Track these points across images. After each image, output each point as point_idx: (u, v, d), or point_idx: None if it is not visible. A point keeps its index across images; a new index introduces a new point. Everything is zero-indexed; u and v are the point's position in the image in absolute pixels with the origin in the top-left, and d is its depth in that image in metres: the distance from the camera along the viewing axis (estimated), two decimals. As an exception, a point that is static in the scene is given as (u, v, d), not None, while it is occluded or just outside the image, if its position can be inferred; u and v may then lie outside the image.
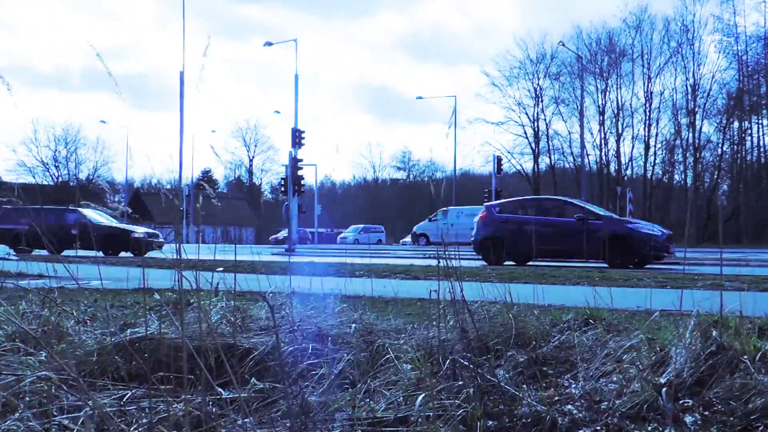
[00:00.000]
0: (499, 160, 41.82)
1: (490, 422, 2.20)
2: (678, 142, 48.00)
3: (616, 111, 49.56)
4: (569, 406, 2.29)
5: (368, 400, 2.40)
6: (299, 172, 27.78)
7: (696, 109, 46.86)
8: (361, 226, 51.14)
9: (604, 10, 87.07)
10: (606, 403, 2.30)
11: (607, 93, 49.82)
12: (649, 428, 2.14)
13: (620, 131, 49.74)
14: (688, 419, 2.19)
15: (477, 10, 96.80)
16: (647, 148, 49.00)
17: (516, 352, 2.91)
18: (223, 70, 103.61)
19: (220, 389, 2.42)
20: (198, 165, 75.67)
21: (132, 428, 2.09)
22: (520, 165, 55.06)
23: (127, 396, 2.35)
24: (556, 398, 2.39)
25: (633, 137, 49.91)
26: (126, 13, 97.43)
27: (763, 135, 45.61)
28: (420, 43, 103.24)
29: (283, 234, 44.11)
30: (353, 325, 3.26)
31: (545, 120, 53.30)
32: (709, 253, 17.95)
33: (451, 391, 2.36)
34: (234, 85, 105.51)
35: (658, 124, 49.35)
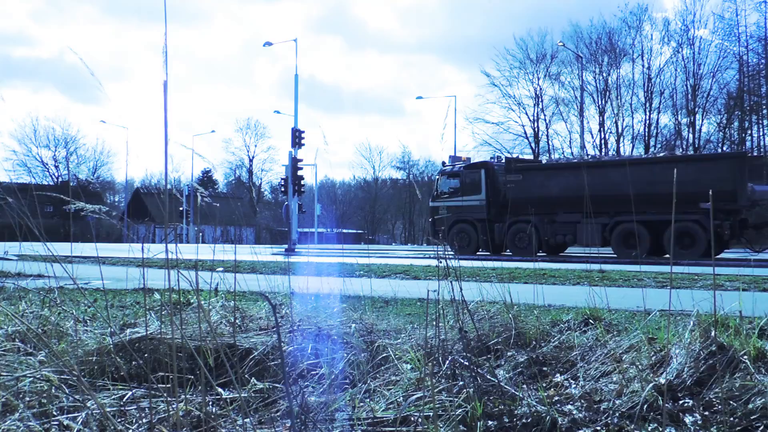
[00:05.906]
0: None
1: (490, 422, 2.19)
2: (678, 142, 47.93)
3: (616, 111, 49.52)
4: (569, 406, 2.29)
5: (368, 400, 2.40)
6: (299, 172, 27.79)
7: (696, 109, 46.82)
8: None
9: (604, 9, 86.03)
10: (606, 403, 2.30)
11: (607, 93, 49.77)
12: (649, 428, 2.14)
13: (620, 131, 49.69)
14: (688, 419, 2.19)
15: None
16: (647, 148, 48.85)
17: (516, 352, 2.91)
18: (220, 69, 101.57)
19: (220, 389, 2.43)
20: (198, 165, 75.16)
21: (132, 428, 2.09)
22: (520, 165, 54.90)
23: (127, 396, 2.35)
24: (556, 398, 2.39)
25: (633, 137, 49.86)
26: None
27: (763, 135, 45.55)
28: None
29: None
30: (353, 325, 3.26)
31: (545, 120, 53.26)
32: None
33: (451, 391, 2.36)
34: (234, 84, 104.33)
35: (658, 124, 49.33)
